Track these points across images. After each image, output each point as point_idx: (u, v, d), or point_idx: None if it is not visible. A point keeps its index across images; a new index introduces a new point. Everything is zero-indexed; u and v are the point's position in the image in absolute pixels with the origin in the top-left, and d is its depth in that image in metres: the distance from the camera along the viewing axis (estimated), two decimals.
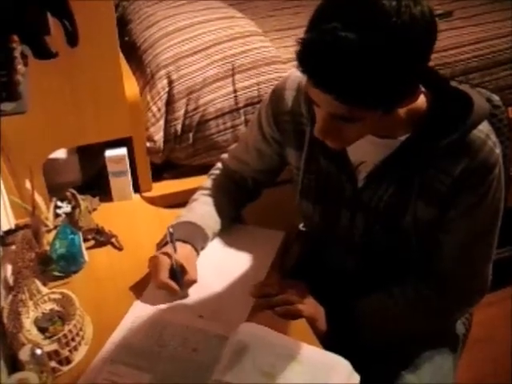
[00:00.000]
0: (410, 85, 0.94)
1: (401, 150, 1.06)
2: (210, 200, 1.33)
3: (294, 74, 1.20)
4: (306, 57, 0.89)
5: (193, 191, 1.61)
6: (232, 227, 1.37)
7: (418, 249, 1.14)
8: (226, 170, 1.39)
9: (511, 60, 1.94)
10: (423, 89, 1.05)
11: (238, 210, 1.38)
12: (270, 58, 1.69)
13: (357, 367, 1.04)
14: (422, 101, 1.05)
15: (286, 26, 2.09)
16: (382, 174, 1.11)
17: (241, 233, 1.38)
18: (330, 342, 1.13)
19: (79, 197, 1.46)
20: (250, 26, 1.81)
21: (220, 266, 1.28)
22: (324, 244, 1.29)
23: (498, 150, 1.04)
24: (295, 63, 1.71)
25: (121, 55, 1.65)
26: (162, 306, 1.17)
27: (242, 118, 1.65)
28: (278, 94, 1.21)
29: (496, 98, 1.14)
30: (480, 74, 1.90)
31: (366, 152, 1.10)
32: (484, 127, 1.04)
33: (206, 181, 1.39)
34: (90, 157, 1.63)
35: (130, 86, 1.56)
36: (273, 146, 1.26)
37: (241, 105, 1.64)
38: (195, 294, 1.21)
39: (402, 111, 1.03)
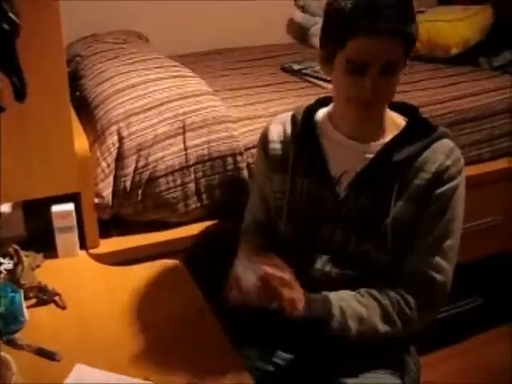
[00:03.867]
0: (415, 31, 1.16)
1: (384, 152, 1.23)
2: None
3: (275, 117, 1.41)
4: (368, 9, 1.10)
5: (141, 248, 1.61)
6: None
7: (390, 253, 1.23)
8: (244, 238, 1.44)
9: (451, 124, 2.02)
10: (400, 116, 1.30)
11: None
12: (220, 117, 1.71)
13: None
14: (401, 119, 1.29)
15: (237, 85, 2.14)
16: (364, 180, 1.24)
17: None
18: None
19: (22, 253, 1.42)
20: (201, 85, 1.84)
21: None
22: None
23: (462, 161, 1.24)
24: (245, 122, 1.78)
25: (72, 110, 1.64)
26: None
27: (192, 176, 1.65)
28: (264, 132, 1.39)
29: None
30: None
31: (347, 160, 1.26)
32: (450, 141, 1.25)
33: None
34: (36, 211, 1.59)
35: (80, 141, 1.55)
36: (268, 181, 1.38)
37: (191, 162, 1.64)
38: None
39: (386, 119, 1.26)
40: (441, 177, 1.21)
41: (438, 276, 1.24)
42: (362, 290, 1.25)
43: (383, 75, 1.14)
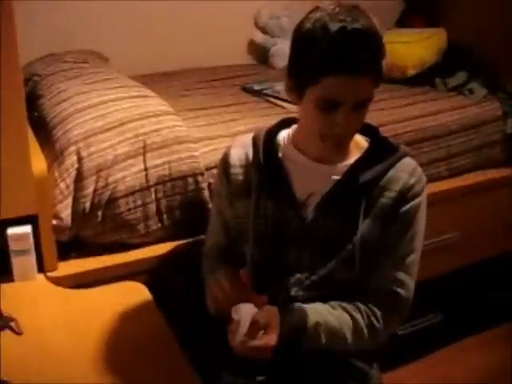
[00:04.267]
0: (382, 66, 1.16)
1: (350, 173, 1.24)
2: None
3: (235, 140, 1.39)
4: (343, 49, 1.08)
5: (101, 271, 1.58)
6: None
7: (357, 271, 1.24)
8: (206, 263, 1.42)
9: (410, 143, 2.06)
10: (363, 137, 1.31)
11: None
12: (181, 137, 1.70)
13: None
14: (363, 139, 1.30)
15: (198, 105, 2.14)
16: (331, 202, 1.24)
17: None
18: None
19: None
20: (162, 105, 1.83)
21: None
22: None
23: (424, 178, 1.27)
24: (206, 142, 1.78)
25: (29, 130, 1.61)
26: None
27: (153, 197, 1.63)
28: (225, 155, 1.36)
29: None
30: None
31: (312, 183, 1.26)
32: (412, 160, 1.28)
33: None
34: None
35: (38, 161, 1.52)
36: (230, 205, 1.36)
37: (151, 183, 1.63)
38: None
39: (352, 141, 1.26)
40: (405, 195, 1.23)
41: (401, 291, 1.26)
42: (334, 303, 1.26)
43: (355, 110, 1.15)
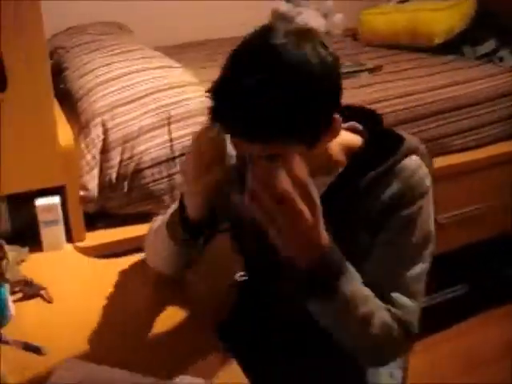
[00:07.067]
0: (320, 118, 0.95)
1: (335, 185, 1.09)
2: None
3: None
4: (216, 109, 0.96)
5: (128, 241, 1.60)
6: None
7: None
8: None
9: (437, 113, 2.03)
10: (360, 127, 1.11)
11: None
12: (205, 108, 1.69)
13: None
14: (356, 138, 1.10)
15: None
16: (323, 207, 1.06)
17: None
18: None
19: (7, 247, 1.40)
20: (186, 76, 1.83)
21: None
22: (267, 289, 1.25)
23: (428, 182, 1.08)
24: None
25: (55, 102, 1.63)
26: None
27: (178, 167, 1.64)
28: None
29: (422, 146, 1.14)
30: (408, 126, 1.97)
31: None
32: (416, 160, 1.08)
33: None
34: (21, 205, 1.58)
35: (64, 133, 1.54)
36: None
37: (176, 154, 1.63)
38: None
39: (335, 148, 1.07)
40: (398, 202, 1.06)
41: (397, 312, 1.05)
42: None
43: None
